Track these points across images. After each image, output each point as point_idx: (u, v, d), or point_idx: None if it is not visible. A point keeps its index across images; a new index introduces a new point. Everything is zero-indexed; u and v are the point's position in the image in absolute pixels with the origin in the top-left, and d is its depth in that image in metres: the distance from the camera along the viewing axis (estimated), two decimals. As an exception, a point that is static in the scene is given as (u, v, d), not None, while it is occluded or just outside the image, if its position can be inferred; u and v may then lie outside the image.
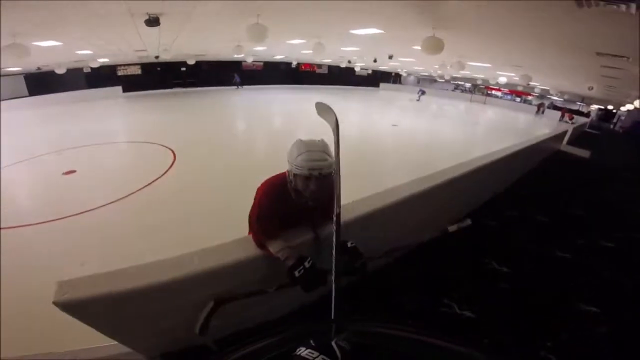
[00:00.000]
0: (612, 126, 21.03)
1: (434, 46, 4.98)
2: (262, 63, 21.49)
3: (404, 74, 25.97)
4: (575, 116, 17.69)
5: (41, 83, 14.09)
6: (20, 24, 4.54)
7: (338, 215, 1.28)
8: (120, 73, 17.16)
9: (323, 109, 1.42)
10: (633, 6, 2.30)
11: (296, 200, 1.48)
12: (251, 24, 4.78)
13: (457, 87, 25.88)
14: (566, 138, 9.55)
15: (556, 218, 4.14)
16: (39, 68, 12.44)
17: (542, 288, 2.71)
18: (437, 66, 14.04)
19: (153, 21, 4.86)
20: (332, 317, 1.14)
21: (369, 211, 2.01)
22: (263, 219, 1.47)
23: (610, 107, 19.26)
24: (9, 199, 4.76)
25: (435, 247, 2.34)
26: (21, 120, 11.04)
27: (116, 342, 1.51)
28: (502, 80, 14.53)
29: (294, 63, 20.91)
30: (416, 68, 19.20)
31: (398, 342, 0.87)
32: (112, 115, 12.39)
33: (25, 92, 14.05)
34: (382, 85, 26.66)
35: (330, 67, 23.97)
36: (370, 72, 24.52)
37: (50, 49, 7.15)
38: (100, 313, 1.27)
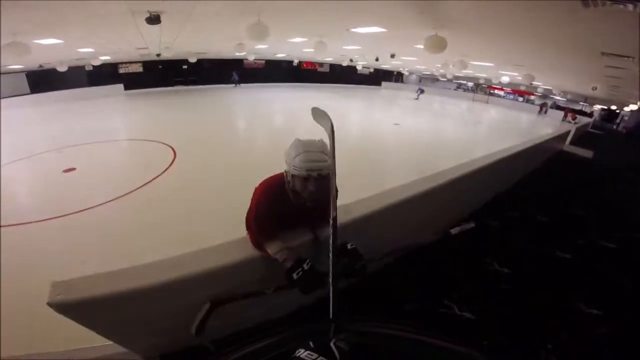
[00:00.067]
0: (615, 126, 20.89)
1: (437, 45, 4.95)
2: (263, 61, 21.46)
3: (406, 73, 25.87)
4: (578, 116, 17.59)
5: (43, 81, 14.10)
6: (20, 24, 4.54)
7: (334, 219, 1.26)
8: (121, 71, 17.17)
9: (319, 115, 1.39)
10: None
11: (294, 202, 1.46)
12: (252, 23, 4.76)
13: (459, 86, 25.76)
14: (569, 138, 9.50)
15: (558, 218, 4.12)
16: (40, 66, 12.45)
17: (542, 289, 2.69)
18: (439, 65, 13.98)
19: (154, 19, 4.84)
20: (331, 318, 1.13)
21: (369, 212, 2.00)
22: (261, 220, 1.46)
23: (613, 107, 19.13)
24: (9, 196, 4.76)
25: (437, 248, 2.33)
26: (23, 117, 11.06)
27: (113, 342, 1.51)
28: (505, 79, 14.44)
29: (296, 61, 20.87)
30: (418, 67, 19.12)
31: (396, 342, 0.86)
32: (113, 113, 12.39)
33: (27, 89, 14.07)
34: (384, 84, 26.57)
35: (332, 66, 23.91)
36: (372, 70, 24.44)
37: (51, 47, 7.15)
38: (95, 314, 1.27)
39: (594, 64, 6.03)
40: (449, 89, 25.41)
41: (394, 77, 27.10)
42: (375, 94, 22.11)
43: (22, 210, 4.39)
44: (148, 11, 4.67)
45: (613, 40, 3.91)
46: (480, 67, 12.01)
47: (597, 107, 20.29)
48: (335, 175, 1.30)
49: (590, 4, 2.37)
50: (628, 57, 4.54)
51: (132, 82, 17.37)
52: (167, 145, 7.21)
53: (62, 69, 12.49)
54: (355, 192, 2.14)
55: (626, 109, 16.50)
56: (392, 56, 11.72)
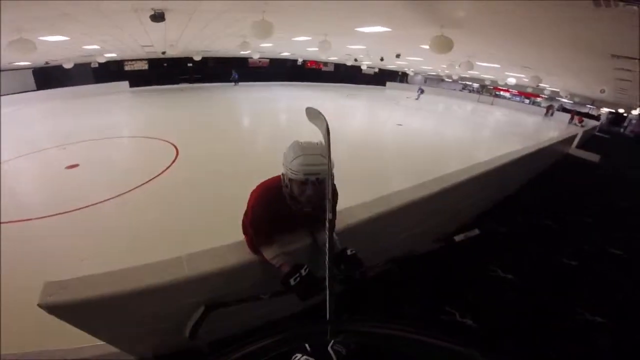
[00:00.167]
0: (622, 130, 20.62)
1: (443, 45, 4.88)
2: (268, 60, 21.44)
3: (411, 73, 25.73)
4: (585, 119, 17.39)
5: (49, 77, 14.19)
6: (26, 20, 4.55)
7: (331, 221, 1.22)
8: (127, 68, 17.22)
9: (313, 115, 1.34)
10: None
11: (292, 206, 1.40)
12: (256, 21, 4.73)
13: (464, 87, 25.58)
14: (575, 142, 9.37)
15: (563, 224, 4.05)
16: (47, 62, 12.54)
17: (547, 296, 2.64)
18: (445, 66, 13.87)
19: (158, 17, 4.84)
20: (328, 319, 1.10)
21: (371, 216, 1.96)
22: (257, 224, 1.42)
23: (621, 110, 18.88)
24: (11, 192, 4.78)
25: (439, 254, 2.28)
26: (28, 114, 11.14)
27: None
28: (511, 81, 14.29)
29: (300, 60, 20.83)
30: (424, 67, 19.01)
31: (395, 342, 0.85)
32: (118, 110, 12.45)
33: (34, 86, 14.18)
34: (388, 84, 26.45)
35: (336, 65, 23.85)
36: (376, 70, 24.34)
37: (57, 44, 7.18)
38: (86, 316, 1.25)
39: (603, 66, 5.92)
40: (454, 89, 25.24)
41: (399, 77, 26.96)
42: (378, 94, 22.01)
43: (23, 206, 4.39)
44: (152, 9, 4.67)
45: (624, 42, 3.82)
46: (486, 69, 11.89)
47: (605, 110, 20.04)
48: (332, 177, 1.25)
49: (602, 3, 2.31)
50: (639, 59, 4.45)
51: (138, 79, 17.42)
52: (170, 143, 7.22)
53: (68, 65, 12.59)
54: (356, 195, 2.09)
55: (634, 112, 16.26)
56: (398, 56, 11.64)
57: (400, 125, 11.47)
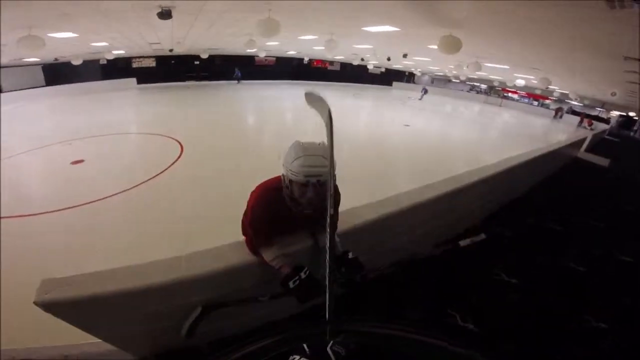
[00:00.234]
0: (632, 134, 20.23)
1: (452, 45, 4.81)
2: (274, 58, 21.45)
3: (418, 74, 25.55)
4: (594, 122, 17.09)
5: (58, 74, 14.36)
6: (35, 18, 4.59)
7: (333, 223, 1.19)
8: (135, 65, 17.36)
9: (314, 99, 1.23)
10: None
11: (293, 209, 1.37)
12: (262, 19, 4.72)
13: (472, 88, 25.33)
14: (585, 145, 9.20)
15: (572, 228, 3.97)
16: (56, 59, 12.69)
17: (553, 302, 2.58)
18: (452, 66, 13.74)
19: (165, 14, 4.85)
20: (327, 320, 1.08)
21: (374, 218, 1.91)
22: (256, 225, 1.39)
23: (632, 113, 18.52)
24: (15, 187, 4.82)
25: (444, 258, 2.25)
26: (37, 109, 11.31)
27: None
28: (520, 82, 14.11)
29: (306, 59, 20.78)
30: (431, 68, 18.85)
31: (395, 342, 0.84)
32: (125, 107, 12.56)
33: (43, 82, 14.36)
34: (394, 84, 26.29)
35: (342, 65, 23.77)
36: (383, 70, 24.21)
37: (65, 41, 7.25)
38: (82, 314, 1.23)
39: (614, 68, 5.81)
40: (462, 90, 24.99)
41: (405, 77, 26.78)
42: (384, 94, 21.89)
43: (26, 201, 4.43)
44: (160, 6, 4.68)
45: (636, 44, 3.73)
46: (494, 70, 11.75)
47: (615, 113, 19.68)
48: (334, 175, 1.18)
49: (616, 4, 2.25)
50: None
51: (145, 76, 17.55)
52: (175, 140, 7.25)
53: (76, 62, 12.74)
54: (357, 197, 2.06)
55: (645, 115, 15.95)
56: (405, 56, 11.55)
57: (408, 125, 11.39)
